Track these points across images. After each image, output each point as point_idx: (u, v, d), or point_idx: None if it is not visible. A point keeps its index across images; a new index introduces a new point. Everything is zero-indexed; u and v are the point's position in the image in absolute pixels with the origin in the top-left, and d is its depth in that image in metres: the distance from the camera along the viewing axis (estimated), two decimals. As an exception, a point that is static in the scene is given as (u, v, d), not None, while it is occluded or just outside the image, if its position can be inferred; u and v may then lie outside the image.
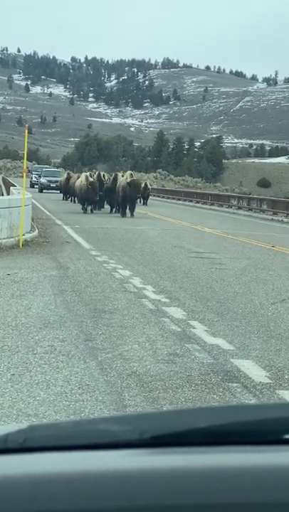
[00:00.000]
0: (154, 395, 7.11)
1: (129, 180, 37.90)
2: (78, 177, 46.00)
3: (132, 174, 39.73)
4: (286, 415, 1.66)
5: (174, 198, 74.78)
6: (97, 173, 44.95)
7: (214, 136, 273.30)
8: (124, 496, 1.31)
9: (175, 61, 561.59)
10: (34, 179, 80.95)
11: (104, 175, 44.26)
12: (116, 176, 42.18)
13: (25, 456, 1.48)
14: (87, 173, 42.22)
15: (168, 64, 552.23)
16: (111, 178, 42.45)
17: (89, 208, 40.08)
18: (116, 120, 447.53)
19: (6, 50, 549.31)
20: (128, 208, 38.49)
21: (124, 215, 38.21)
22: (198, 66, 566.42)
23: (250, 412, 1.72)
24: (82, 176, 41.48)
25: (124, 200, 38.53)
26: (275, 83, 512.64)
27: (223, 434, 1.55)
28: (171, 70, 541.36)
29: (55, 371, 7.77)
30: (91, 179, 39.62)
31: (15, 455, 1.48)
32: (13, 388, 7.14)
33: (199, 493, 1.31)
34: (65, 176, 56.24)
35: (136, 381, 7.52)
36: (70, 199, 52.08)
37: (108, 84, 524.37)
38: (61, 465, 1.41)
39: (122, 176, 40.64)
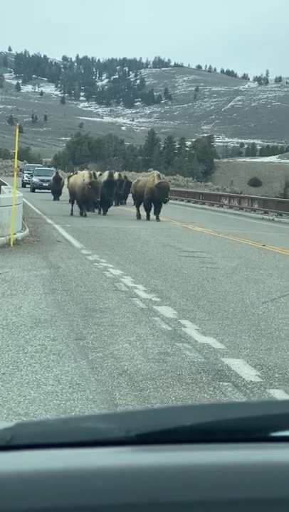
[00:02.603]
0: (144, 394, 7.11)
1: (157, 182, 36.21)
2: (69, 176, 44.63)
3: (159, 175, 37.63)
4: (272, 413, 1.66)
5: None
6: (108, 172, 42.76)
7: (205, 135, 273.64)
8: (110, 493, 1.31)
9: (166, 60, 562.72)
10: (26, 178, 79.73)
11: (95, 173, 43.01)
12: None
13: (12, 453, 1.48)
14: (91, 171, 38.63)
15: (159, 63, 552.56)
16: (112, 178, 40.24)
17: (86, 211, 36.88)
18: (107, 119, 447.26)
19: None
20: (154, 210, 36.46)
21: (148, 217, 36.52)
22: (189, 65, 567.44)
23: (236, 409, 1.72)
24: (86, 173, 37.74)
25: (150, 202, 36.72)
26: (266, 82, 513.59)
27: (209, 432, 1.55)
28: (163, 69, 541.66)
29: (46, 370, 7.77)
30: (90, 179, 36.14)
31: (2, 453, 1.49)
32: (4, 387, 7.13)
33: (186, 491, 1.31)
34: (54, 175, 55.65)
35: (127, 380, 7.52)
36: (59, 199, 51.51)
37: (99, 83, 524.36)
38: (48, 462, 1.41)
39: (120, 175, 39.90)
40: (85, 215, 36.18)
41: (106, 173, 39.92)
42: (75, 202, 37.70)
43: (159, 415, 1.68)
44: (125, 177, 49.82)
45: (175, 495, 1.31)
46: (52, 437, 1.55)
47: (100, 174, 41.83)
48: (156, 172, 39.66)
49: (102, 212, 38.82)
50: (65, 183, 54.18)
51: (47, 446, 1.51)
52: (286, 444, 1.55)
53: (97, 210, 38.96)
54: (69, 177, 45.40)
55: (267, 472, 1.38)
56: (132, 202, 41.26)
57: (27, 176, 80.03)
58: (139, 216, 37.44)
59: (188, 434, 1.54)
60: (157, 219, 35.77)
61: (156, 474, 1.36)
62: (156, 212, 36.26)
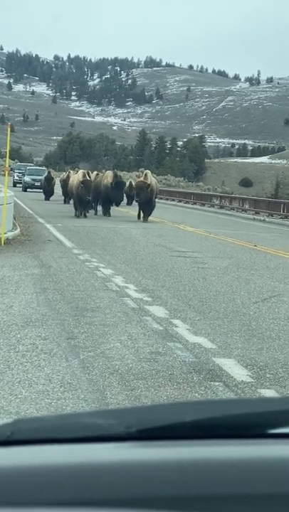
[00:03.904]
0: (136, 393, 7.11)
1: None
2: (67, 177, 44.03)
3: (116, 175, 37.95)
4: (270, 409, 1.67)
5: (156, 197, 74.67)
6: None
7: (197, 135, 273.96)
8: (110, 487, 1.32)
9: (158, 60, 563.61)
10: (16, 178, 78.43)
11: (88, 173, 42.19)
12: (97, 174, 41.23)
13: (12, 448, 1.48)
14: (85, 171, 37.71)
15: (151, 63, 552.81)
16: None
17: (81, 212, 35.95)
18: (99, 119, 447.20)
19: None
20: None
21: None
22: (181, 65, 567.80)
23: (235, 406, 1.73)
24: (80, 172, 37.10)
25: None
26: (258, 83, 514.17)
27: (208, 428, 1.56)
28: (154, 69, 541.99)
29: (37, 369, 7.76)
30: (83, 177, 35.61)
31: (2, 448, 1.49)
32: (-5, 386, 7.12)
33: (185, 485, 1.32)
34: (46, 174, 55.26)
35: (118, 379, 7.52)
36: (50, 199, 51.30)
37: (91, 83, 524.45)
38: (48, 457, 1.42)
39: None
40: (85, 216, 35.67)
41: (110, 174, 39.12)
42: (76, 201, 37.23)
43: (159, 411, 1.69)
44: (120, 177, 49.59)
45: (175, 489, 1.32)
46: (52, 433, 1.55)
47: (98, 174, 41.43)
48: (147, 171, 38.91)
49: (105, 213, 38.08)
50: (57, 182, 54.08)
51: (47, 441, 1.51)
52: (284, 441, 1.56)
53: (93, 211, 38.78)
54: (67, 178, 44.53)
55: (265, 468, 1.39)
56: (126, 202, 41.29)
57: (17, 176, 78.82)
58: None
59: (188, 430, 1.55)
60: (145, 219, 35.21)
61: (156, 469, 1.36)
62: (146, 214, 35.64)
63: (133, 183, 44.99)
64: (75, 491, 1.30)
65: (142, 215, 35.62)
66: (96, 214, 39.05)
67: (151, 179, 36.23)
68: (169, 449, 1.47)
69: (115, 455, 1.44)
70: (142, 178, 36.22)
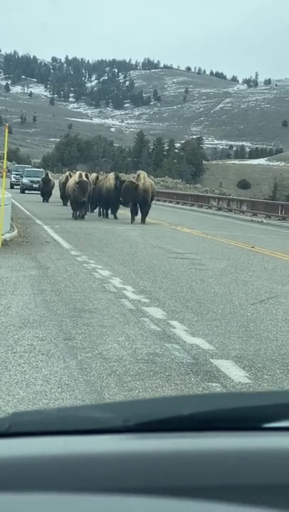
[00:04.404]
0: (133, 394, 7.11)
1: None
2: (66, 178, 43.72)
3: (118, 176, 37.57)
4: (267, 403, 1.68)
5: (153, 199, 74.55)
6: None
7: (194, 137, 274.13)
8: (109, 478, 1.32)
9: (156, 62, 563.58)
10: (13, 179, 77.69)
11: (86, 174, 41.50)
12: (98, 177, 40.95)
13: (11, 440, 1.49)
14: (83, 172, 37.77)
15: (148, 65, 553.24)
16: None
17: (78, 213, 35.83)
18: (96, 120, 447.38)
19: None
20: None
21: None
22: (178, 67, 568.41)
23: (232, 399, 1.74)
24: (77, 174, 37.03)
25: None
26: (256, 84, 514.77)
27: (206, 421, 1.57)
28: (152, 70, 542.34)
29: (35, 370, 7.76)
30: (79, 178, 35.55)
31: (1, 439, 1.49)
32: (-7, 387, 7.12)
33: (183, 476, 1.33)
34: (44, 176, 55.06)
35: (115, 380, 7.52)
36: (50, 200, 51.22)
37: (89, 85, 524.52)
38: (47, 448, 1.42)
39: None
40: (82, 218, 35.37)
41: (112, 176, 38.53)
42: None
43: (157, 405, 1.69)
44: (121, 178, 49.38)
45: (172, 480, 1.33)
46: (50, 425, 1.56)
47: (97, 177, 41.12)
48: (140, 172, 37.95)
49: (109, 215, 37.77)
50: (55, 184, 53.97)
51: (45, 433, 1.52)
52: (280, 433, 1.57)
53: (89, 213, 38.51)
54: (66, 180, 44.14)
55: (261, 459, 1.41)
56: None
57: (15, 177, 78.24)
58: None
59: (185, 423, 1.56)
60: (142, 222, 34.79)
61: (154, 460, 1.37)
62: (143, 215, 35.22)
63: None
64: (74, 481, 1.31)
65: (131, 217, 34.97)
66: (100, 216, 38.77)
67: (145, 180, 35.52)
68: (166, 440, 1.48)
69: (113, 446, 1.44)
70: (133, 179, 35.70)
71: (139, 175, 36.20)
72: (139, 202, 34.85)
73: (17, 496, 1.24)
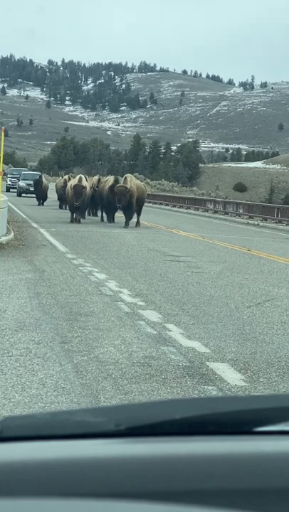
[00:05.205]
0: (129, 397, 7.10)
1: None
2: (64, 180, 43.48)
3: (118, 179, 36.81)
4: (259, 407, 1.68)
5: (150, 202, 74.56)
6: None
7: (191, 140, 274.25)
8: (101, 482, 1.32)
9: (152, 65, 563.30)
10: (9, 182, 77.00)
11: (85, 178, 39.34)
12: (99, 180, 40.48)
13: (2, 445, 1.49)
14: (83, 176, 36.95)
15: (145, 68, 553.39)
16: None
17: (74, 216, 35.19)
18: (93, 123, 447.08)
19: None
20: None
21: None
22: (175, 70, 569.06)
23: (225, 403, 1.74)
24: (77, 177, 36.51)
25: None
26: (252, 88, 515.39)
27: (198, 425, 1.57)
28: (148, 73, 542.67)
29: (31, 374, 7.75)
30: (78, 182, 35.05)
31: None
32: (-12, 391, 7.11)
33: (174, 480, 1.33)
34: (37, 178, 54.75)
35: (111, 384, 7.52)
36: (42, 203, 51.02)
37: (85, 88, 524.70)
38: (38, 453, 1.42)
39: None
40: (79, 222, 34.95)
41: (110, 179, 38.17)
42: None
43: (149, 409, 1.69)
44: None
45: (164, 484, 1.33)
46: (42, 430, 1.56)
47: (99, 180, 40.80)
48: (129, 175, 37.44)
49: (107, 219, 37.35)
50: (49, 187, 53.82)
51: (37, 438, 1.52)
52: (272, 437, 1.57)
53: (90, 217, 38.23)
54: (64, 183, 43.84)
55: (253, 464, 1.41)
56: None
57: (11, 180, 77.66)
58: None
59: (178, 426, 1.56)
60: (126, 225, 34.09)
61: (146, 464, 1.37)
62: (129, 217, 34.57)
63: None
64: (65, 485, 1.31)
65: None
66: (102, 221, 38.07)
67: (132, 183, 35.08)
68: (158, 444, 1.48)
69: (104, 451, 1.44)
70: (121, 183, 35.21)
71: (125, 178, 35.71)
72: (131, 204, 34.47)
73: (8, 502, 1.24)
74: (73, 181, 36.11)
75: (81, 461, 1.38)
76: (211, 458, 1.41)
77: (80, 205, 35.05)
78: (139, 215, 35.35)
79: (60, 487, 1.31)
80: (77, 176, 37.15)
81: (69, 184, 36.65)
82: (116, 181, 37.09)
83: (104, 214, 38.74)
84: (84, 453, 1.43)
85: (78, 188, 34.48)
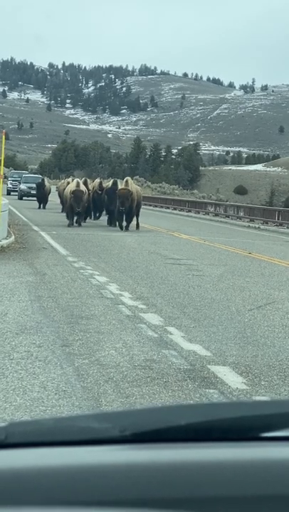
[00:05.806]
0: (130, 400, 7.10)
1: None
2: (67, 183, 43.25)
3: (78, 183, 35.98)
4: (264, 413, 1.68)
5: (150, 205, 74.45)
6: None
7: (191, 143, 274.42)
8: (105, 489, 1.32)
9: (152, 68, 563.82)
10: (10, 185, 76.76)
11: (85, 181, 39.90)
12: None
13: (6, 451, 1.48)
14: (80, 180, 36.99)
15: (145, 71, 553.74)
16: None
17: (73, 221, 34.86)
18: (93, 126, 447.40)
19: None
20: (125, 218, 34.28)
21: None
22: (175, 73, 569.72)
23: (229, 409, 1.74)
24: (74, 181, 36.31)
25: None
26: (253, 90, 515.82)
27: (203, 431, 1.56)
28: (149, 76, 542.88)
29: (32, 377, 7.74)
30: (75, 187, 34.78)
31: None
32: (-10, 394, 7.10)
33: (180, 487, 1.33)
34: (39, 181, 54.53)
35: (113, 387, 7.51)
36: (43, 206, 50.88)
37: (86, 91, 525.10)
38: (43, 460, 1.42)
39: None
40: (79, 225, 34.62)
41: (110, 182, 38.01)
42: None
43: (154, 415, 1.68)
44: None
45: (169, 491, 1.32)
46: (46, 436, 1.55)
47: (100, 183, 40.57)
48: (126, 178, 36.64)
49: (112, 223, 36.50)
50: (51, 190, 53.74)
51: (41, 444, 1.51)
52: (278, 443, 1.56)
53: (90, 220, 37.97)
54: (66, 186, 43.53)
55: (259, 470, 1.40)
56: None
57: (11, 184, 77.50)
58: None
59: (183, 433, 1.55)
60: (126, 228, 33.73)
61: (151, 471, 1.37)
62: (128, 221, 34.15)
63: None
64: (70, 492, 1.30)
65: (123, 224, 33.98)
66: (109, 225, 36.99)
67: (132, 186, 34.69)
68: (163, 451, 1.48)
69: (109, 457, 1.44)
70: (122, 186, 34.82)
71: (126, 181, 35.18)
72: (131, 208, 33.95)
73: (13, 510, 1.23)
74: (71, 186, 35.66)
75: (86, 468, 1.37)
76: (217, 464, 1.41)
77: (81, 210, 34.91)
78: (138, 217, 35.20)
79: (64, 494, 1.30)
80: (74, 181, 36.65)
81: (67, 189, 36.32)
82: (114, 184, 36.88)
83: (109, 218, 37.71)
84: (89, 459, 1.42)
85: (78, 194, 34.27)
